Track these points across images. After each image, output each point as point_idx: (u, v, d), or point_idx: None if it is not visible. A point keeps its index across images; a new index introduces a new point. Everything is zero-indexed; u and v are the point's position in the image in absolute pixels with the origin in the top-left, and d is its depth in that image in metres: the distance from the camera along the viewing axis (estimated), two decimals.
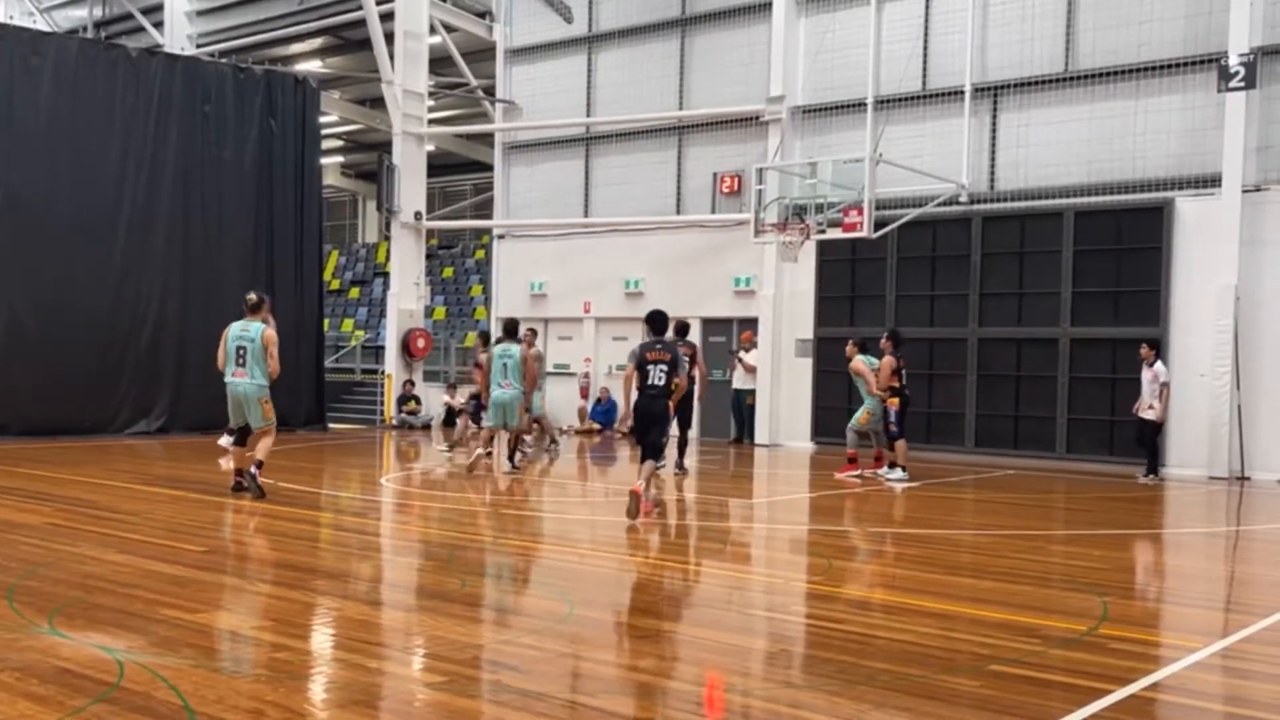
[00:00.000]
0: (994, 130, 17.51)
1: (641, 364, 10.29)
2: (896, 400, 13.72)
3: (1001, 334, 17.28)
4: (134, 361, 18.18)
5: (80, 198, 17.66)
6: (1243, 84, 15.17)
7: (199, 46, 26.14)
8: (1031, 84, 17.14)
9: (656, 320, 10.65)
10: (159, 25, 27.15)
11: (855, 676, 5.10)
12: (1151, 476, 14.70)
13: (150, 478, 12.69)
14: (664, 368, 10.30)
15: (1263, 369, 15.19)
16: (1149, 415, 14.55)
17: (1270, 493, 14.18)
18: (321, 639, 5.78)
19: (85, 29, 28.15)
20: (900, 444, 13.77)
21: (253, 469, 10.72)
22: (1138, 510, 12.43)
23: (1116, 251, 16.36)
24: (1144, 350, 14.70)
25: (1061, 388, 16.69)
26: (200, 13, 26.87)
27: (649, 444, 10.33)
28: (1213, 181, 15.61)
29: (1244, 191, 15.28)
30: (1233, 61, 15.22)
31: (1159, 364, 14.63)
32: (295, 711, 4.39)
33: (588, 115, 21.74)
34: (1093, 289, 16.48)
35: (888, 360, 13.72)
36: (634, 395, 10.37)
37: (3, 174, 16.98)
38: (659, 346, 10.41)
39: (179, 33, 26.63)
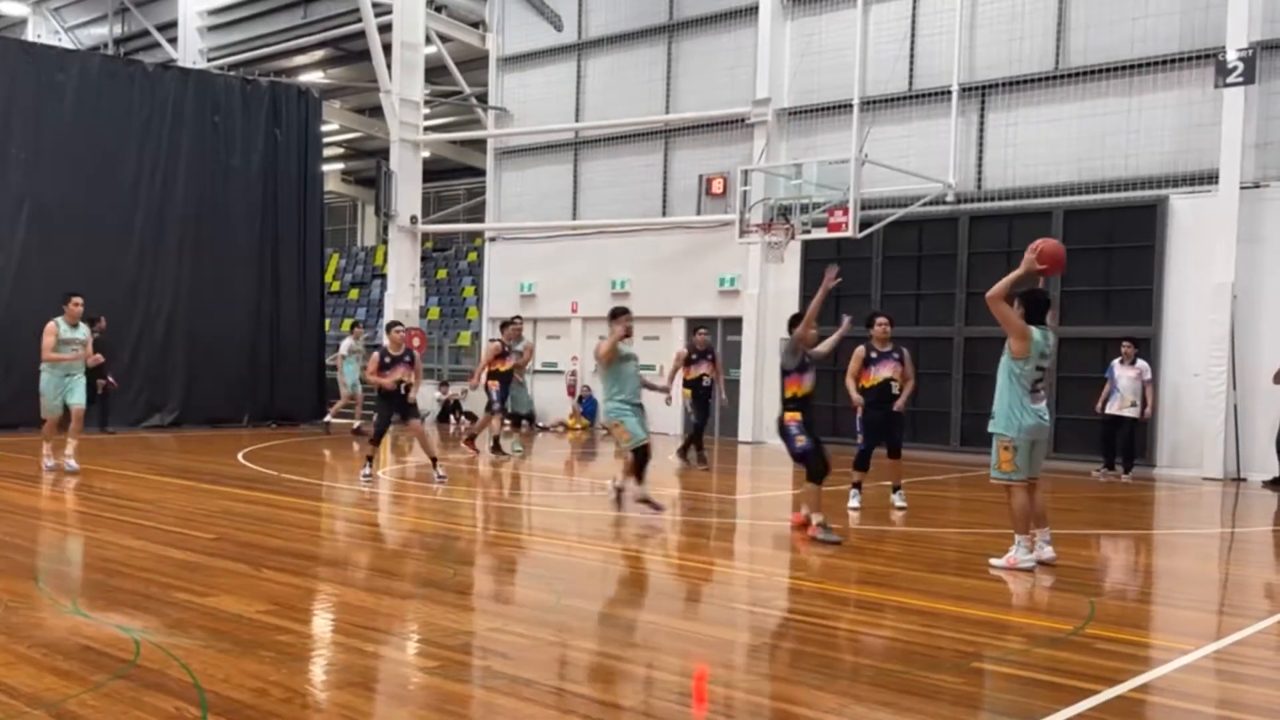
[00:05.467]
0: (981, 130, 15.38)
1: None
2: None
3: (989, 333, 14.94)
4: (148, 359, 17.17)
5: (100, 203, 16.69)
6: (1241, 79, 13.09)
7: (210, 60, 24.51)
8: (1020, 83, 15.00)
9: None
10: (173, 40, 25.47)
11: (837, 671, 4.61)
12: (1127, 476, 12.83)
13: (163, 468, 11.97)
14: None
15: (1260, 368, 12.97)
16: (1130, 413, 12.64)
17: (1266, 494, 12.12)
18: (321, 623, 5.48)
19: (106, 45, 26.41)
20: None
21: None
22: (1128, 510, 10.76)
23: (1107, 250, 14.25)
24: (1126, 348, 12.76)
25: (1049, 387, 14.49)
26: (211, 28, 25.11)
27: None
28: (1208, 179, 13.51)
29: (1242, 188, 13.16)
30: (1231, 57, 13.15)
31: (1141, 361, 12.81)
32: (296, 691, 4.13)
33: (577, 120, 19.61)
34: (1083, 288, 14.33)
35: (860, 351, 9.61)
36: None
37: (30, 183, 16.00)
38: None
39: (191, 47, 24.92)
